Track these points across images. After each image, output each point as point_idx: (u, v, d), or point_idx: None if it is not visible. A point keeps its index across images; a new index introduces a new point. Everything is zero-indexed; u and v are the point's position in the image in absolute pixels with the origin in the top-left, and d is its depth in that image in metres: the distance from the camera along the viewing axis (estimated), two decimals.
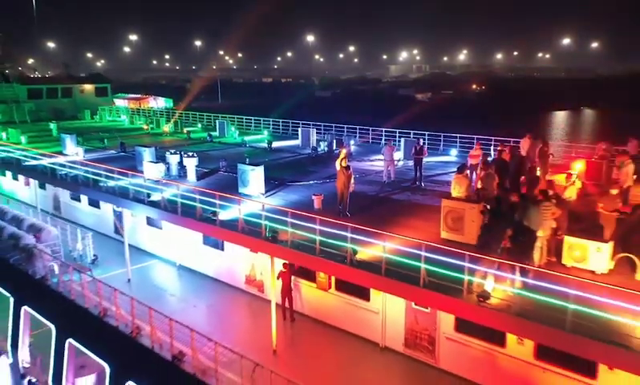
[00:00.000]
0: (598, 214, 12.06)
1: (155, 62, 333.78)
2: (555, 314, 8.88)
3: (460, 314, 10.73)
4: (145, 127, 37.51)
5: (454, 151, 25.76)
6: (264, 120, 36.51)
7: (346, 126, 30.92)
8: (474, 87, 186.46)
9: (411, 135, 26.15)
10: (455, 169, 14.75)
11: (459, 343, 12.47)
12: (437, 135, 26.98)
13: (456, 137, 26.19)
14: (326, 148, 26.97)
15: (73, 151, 26.28)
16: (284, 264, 15.41)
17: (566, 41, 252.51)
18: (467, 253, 9.85)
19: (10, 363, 18.91)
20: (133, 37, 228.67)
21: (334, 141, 27.55)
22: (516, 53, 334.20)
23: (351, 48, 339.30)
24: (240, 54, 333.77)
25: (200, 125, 39.18)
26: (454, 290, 10.02)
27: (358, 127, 30.62)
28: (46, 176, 22.98)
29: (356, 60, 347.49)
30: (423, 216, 15.27)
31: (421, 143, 19.99)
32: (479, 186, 14.51)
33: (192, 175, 20.50)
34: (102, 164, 21.28)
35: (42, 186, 26.65)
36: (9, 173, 30.34)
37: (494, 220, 10.35)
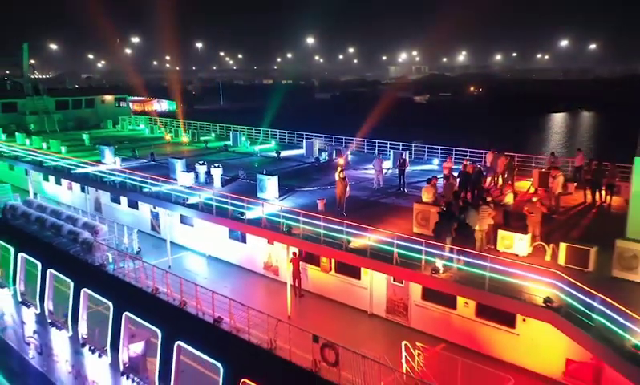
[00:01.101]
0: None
1: (155, 63, 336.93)
2: (481, 280, 13.42)
3: (419, 282, 15.35)
4: (167, 137, 42.07)
5: (436, 161, 30.28)
6: (271, 131, 41.05)
7: (344, 137, 35.54)
8: (472, 89, 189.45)
9: (400, 147, 30.68)
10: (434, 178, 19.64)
11: (425, 308, 17.04)
12: (422, 147, 31.56)
13: (438, 149, 30.73)
14: (327, 158, 31.52)
15: (111, 161, 30.85)
16: (293, 252, 19.88)
17: (564, 42, 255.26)
18: (425, 240, 14.41)
19: (70, 336, 23.40)
20: (137, 40, 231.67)
21: (334, 152, 32.08)
22: (515, 54, 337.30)
23: (351, 50, 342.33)
24: (240, 55, 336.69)
25: (213, 134, 43.70)
26: (416, 267, 14.57)
27: (354, 138, 35.25)
28: (97, 183, 27.51)
29: (355, 61, 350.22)
30: (402, 215, 19.77)
31: (404, 157, 24.56)
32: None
33: (217, 182, 25.04)
34: (138, 172, 25.88)
35: (84, 190, 31.20)
36: (52, 178, 34.83)
37: (445, 218, 14.88)
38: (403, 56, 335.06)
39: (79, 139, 40.48)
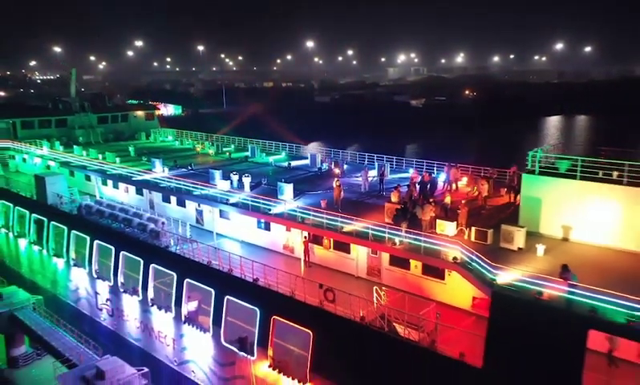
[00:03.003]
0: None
1: (155, 64, 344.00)
2: (421, 249, 22.43)
3: (384, 251, 24.40)
4: (198, 149, 51.05)
5: (411, 170, 39.15)
6: (282, 144, 50.06)
7: (341, 151, 44.61)
8: (467, 92, 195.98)
9: (384, 159, 39.67)
10: (399, 186, 28.64)
11: (391, 271, 26.03)
12: (401, 158, 40.64)
13: (413, 161, 39.74)
14: (327, 168, 40.49)
15: (160, 170, 39.83)
16: (304, 236, 28.81)
17: (560, 46, 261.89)
18: (388, 225, 23.42)
19: (139, 300, 32.18)
20: (138, 43, 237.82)
21: (332, 163, 41.03)
22: (512, 56, 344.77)
23: (350, 52, 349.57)
24: (240, 57, 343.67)
25: (233, 146, 52.58)
26: (382, 241, 23.58)
27: (349, 151, 44.35)
28: (155, 187, 36.50)
29: (355, 62, 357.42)
30: (379, 210, 28.66)
31: (383, 168, 33.60)
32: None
33: (247, 187, 34.02)
34: (184, 178, 34.87)
35: (139, 192, 40.17)
36: (109, 182, 43.63)
37: (400, 212, 23.91)
38: (401, 57, 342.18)
39: (124, 150, 49.42)
